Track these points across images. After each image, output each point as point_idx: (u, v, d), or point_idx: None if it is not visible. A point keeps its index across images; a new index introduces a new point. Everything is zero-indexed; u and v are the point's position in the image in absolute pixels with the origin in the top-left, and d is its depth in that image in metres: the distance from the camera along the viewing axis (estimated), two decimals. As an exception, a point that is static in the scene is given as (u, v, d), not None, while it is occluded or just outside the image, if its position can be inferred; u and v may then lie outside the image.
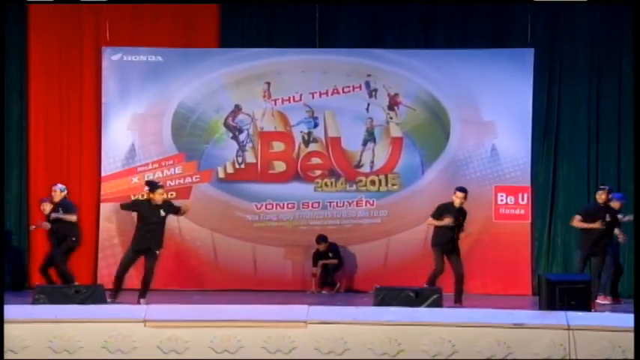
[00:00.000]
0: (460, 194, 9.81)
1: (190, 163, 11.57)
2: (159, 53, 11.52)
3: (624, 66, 11.26)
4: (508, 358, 7.00)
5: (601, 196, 9.70)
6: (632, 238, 10.16)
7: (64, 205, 10.14)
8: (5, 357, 7.07)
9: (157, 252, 9.39)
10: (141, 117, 11.55)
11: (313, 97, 11.51)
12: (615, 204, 10.07)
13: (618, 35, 11.28)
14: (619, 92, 11.30)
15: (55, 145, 11.54)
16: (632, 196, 10.07)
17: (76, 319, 7.29)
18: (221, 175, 11.57)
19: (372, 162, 11.53)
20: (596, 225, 9.56)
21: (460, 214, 9.81)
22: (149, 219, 9.30)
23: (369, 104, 11.51)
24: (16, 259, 11.18)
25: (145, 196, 9.56)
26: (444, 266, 9.73)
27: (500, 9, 11.35)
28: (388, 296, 8.41)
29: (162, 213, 9.37)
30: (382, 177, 11.54)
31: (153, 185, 9.51)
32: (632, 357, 6.82)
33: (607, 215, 9.64)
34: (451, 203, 9.82)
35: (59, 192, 10.19)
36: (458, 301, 9.59)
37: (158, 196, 9.35)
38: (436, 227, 9.83)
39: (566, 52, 11.40)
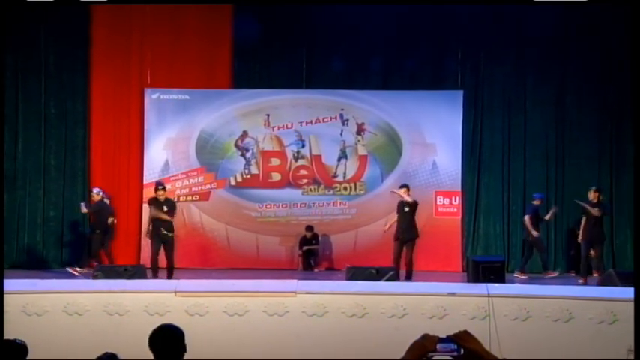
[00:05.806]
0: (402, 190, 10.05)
1: (210, 174, 11.52)
2: (186, 93, 11.46)
3: (527, 104, 11.33)
4: (444, 317, 7.02)
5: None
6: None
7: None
8: (71, 319, 7.02)
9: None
10: (173, 140, 11.49)
11: (301, 125, 11.48)
12: (537, 202, 10.35)
13: (524, 81, 11.33)
14: (524, 123, 11.33)
15: (109, 160, 11.45)
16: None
17: (125, 289, 7.26)
18: (232, 183, 11.52)
19: (345, 173, 11.49)
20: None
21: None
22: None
23: (342, 130, 11.49)
24: (82, 244, 11.06)
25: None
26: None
27: (439, 61, 11.38)
28: (356, 273, 8.45)
29: (165, 208, 9.65)
30: (352, 184, 11.53)
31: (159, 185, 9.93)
32: (533, 315, 6.81)
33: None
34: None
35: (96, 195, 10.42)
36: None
37: (161, 194, 9.68)
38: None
39: (486, 93, 11.42)
